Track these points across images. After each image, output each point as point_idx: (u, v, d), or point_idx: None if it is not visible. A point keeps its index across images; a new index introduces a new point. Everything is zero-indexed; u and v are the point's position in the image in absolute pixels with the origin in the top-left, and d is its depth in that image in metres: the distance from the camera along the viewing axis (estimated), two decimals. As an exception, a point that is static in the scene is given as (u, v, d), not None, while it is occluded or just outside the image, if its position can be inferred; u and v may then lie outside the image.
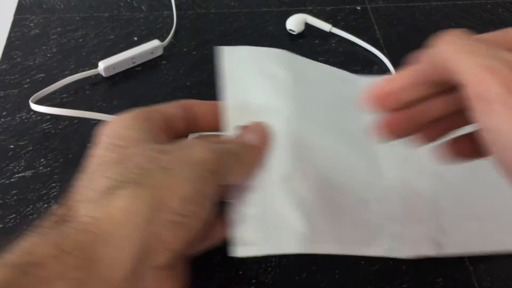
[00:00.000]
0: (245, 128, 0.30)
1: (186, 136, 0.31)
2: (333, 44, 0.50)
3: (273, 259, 0.34)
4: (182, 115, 0.31)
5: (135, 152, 0.26)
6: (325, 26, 0.51)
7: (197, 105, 0.32)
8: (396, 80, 0.25)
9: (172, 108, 0.31)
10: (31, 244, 0.22)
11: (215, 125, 0.31)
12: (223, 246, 0.35)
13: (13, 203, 0.37)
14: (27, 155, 0.40)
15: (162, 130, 0.29)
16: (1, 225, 0.36)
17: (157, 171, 0.25)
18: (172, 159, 0.25)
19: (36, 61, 0.47)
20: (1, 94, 0.44)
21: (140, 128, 0.28)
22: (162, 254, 0.24)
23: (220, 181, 0.27)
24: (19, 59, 0.47)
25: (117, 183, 0.24)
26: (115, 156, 0.26)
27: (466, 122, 0.25)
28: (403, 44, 0.50)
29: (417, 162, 0.37)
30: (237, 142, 0.29)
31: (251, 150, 0.29)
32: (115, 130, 0.28)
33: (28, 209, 0.37)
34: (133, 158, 0.25)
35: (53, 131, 0.42)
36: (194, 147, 0.27)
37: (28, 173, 0.39)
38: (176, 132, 0.30)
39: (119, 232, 0.23)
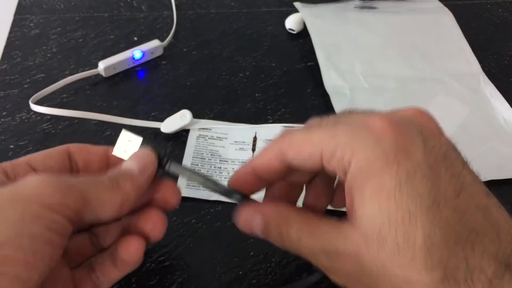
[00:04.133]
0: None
1: None
2: (333, 44, 0.50)
3: (273, 259, 0.34)
4: (56, 166, 0.28)
5: None
6: (325, 26, 0.51)
7: (81, 152, 0.29)
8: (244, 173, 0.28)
9: (39, 160, 0.27)
10: None
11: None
12: (223, 246, 0.35)
13: (13, 203, 0.37)
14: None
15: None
16: (1, 225, 0.36)
17: None
18: None
19: (36, 61, 0.47)
20: (1, 94, 0.44)
21: None
22: None
23: (72, 214, 0.23)
24: (19, 59, 0.47)
25: None
26: None
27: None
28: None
29: None
30: (112, 171, 0.26)
31: (126, 178, 0.26)
32: None
33: (28, 209, 0.37)
34: None
35: (53, 131, 0.42)
36: (27, 182, 0.23)
37: (28, 173, 0.39)
38: None
39: None
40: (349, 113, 0.27)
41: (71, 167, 0.29)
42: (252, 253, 0.35)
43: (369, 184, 0.22)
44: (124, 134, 0.29)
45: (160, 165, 0.28)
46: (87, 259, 0.28)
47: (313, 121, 0.26)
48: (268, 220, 0.26)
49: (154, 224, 0.28)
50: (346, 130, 0.23)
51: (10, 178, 0.26)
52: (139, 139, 0.28)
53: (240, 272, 0.34)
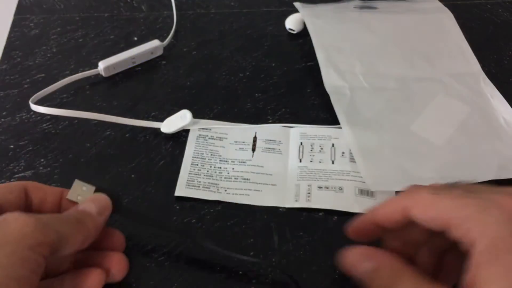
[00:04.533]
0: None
1: None
2: (333, 44, 0.50)
3: (273, 259, 0.34)
4: (13, 201, 0.29)
5: None
6: (325, 26, 0.51)
7: (37, 190, 0.31)
8: (363, 221, 0.30)
9: (2, 192, 0.29)
10: None
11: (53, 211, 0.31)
12: (223, 246, 0.35)
13: (13, 203, 0.37)
14: (27, 155, 0.40)
15: None
16: (1, 225, 0.36)
17: None
18: None
19: (36, 61, 0.47)
20: (1, 94, 0.44)
21: None
22: None
23: (48, 252, 0.25)
24: (19, 59, 0.47)
25: None
26: None
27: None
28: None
29: None
30: (75, 210, 0.29)
31: (88, 217, 0.29)
32: None
33: (28, 209, 0.37)
34: None
35: (53, 131, 0.42)
36: (9, 223, 0.24)
37: (28, 173, 0.39)
38: None
39: None
40: (479, 187, 0.27)
41: (26, 204, 0.30)
42: (252, 253, 0.35)
43: (498, 262, 0.22)
44: (77, 183, 0.31)
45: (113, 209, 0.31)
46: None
47: (442, 185, 0.27)
48: (380, 267, 0.27)
49: (122, 267, 0.31)
50: (478, 204, 0.24)
51: None
52: (92, 188, 0.32)
53: (240, 272, 0.34)
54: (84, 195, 0.31)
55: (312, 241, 0.35)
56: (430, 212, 0.25)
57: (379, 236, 0.30)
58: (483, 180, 0.38)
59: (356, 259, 0.28)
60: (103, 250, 0.31)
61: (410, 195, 0.27)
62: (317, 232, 0.36)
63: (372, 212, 0.29)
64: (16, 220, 0.25)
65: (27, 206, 0.30)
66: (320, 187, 0.38)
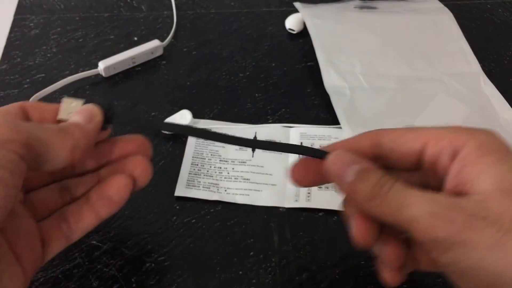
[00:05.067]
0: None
1: None
2: (333, 44, 0.50)
3: (273, 259, 0.34)
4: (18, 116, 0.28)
5: None
6: (325, 26, 0.51)
7: (35, 109, 0.28)
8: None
9: None
10: None
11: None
12: (223, 246, 0.35)
13: (13, 203, 0.37)
14: (27, 155, 0.40)
15: None
16: (1, 225, 0.36)
17: None
18: None
19: (36, 61, 0.47)
20: (1, 94, 0.44)
21: None
22: None
23: (21, 149, 0.23)
24: (19, 59, 0.47)
25: None
26: None
27: None
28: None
29: None
30: (62, 122, 0.27)
31: (73, 126, 0.26)
32: None
33: (28, 209, 0.37)
34: None
35: (53, 131, 0.42)
36: None
37: (28, 173, 0.39)
38: None
39: None
40: None
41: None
42: (252, 253, 0.35)
43: (487, 157, 0.23)
44: (66, 100, 0.29)
45: (107, 117, 0.28)
46: (55, 211, 0.28)
47: None
48: (366, 169, 0.24)
49: (142, 169, 0.29)
50: (459, 127, 0.24)
51: None
52: (81, 101, 0.29)
53: (240, 272, 0.34)
54: (74, 111, 0.29)
55: (312, 241, 0.35)
56: (403, 135, 0.25)
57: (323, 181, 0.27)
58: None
59: (341, 164, 0.25)
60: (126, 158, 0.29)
61: (384, 129, 0.26)
62: (317, 232, 0.36)
63: (343, 140, 0.27)
64: (3, 123, 0.23)
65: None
66: (320, 187, 0.38)
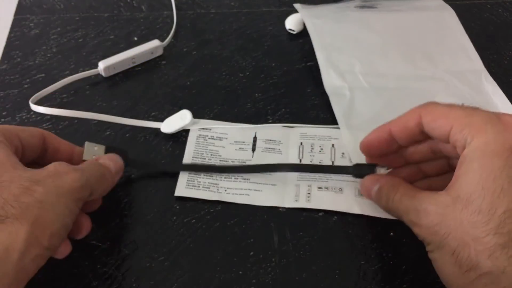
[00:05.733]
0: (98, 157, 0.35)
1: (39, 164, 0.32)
2: (333, 44, 0.50)
3: (273, 259, 0.34)
4: (36, 144, 0.33)
5: (9, 179, 0.27)
6: (325, 26, 0.51)
7: (52, 139, 0.34)
8: (374, 135, 0.34)
9: (26, 134, 0.32)
10: None
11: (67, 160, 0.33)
12: (223, 246, 0.35)
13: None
14: (27, 155, 0.40)
15: (17, 154, 0.31)
16: (1, 225, 0.36)
17: (33, 205, 0.27)
18: (46, 191, 0.28)
19: (36, 61, 0.47)
20: (1, 94, 0.44)
21: (5, 150, 0.29)
22: (22, 284, 0.27)
23: (82, 203, 0.30)
24: (19, 59, 0.47)
25: None
26: None
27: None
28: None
29: None
30: (97, 163, 0.33)
31: (109, 173, 0.33)
32: None
33: (28, 209, 0.37)
34: (10, 188, 0.27)
35: (53, 131, 0.42)
36: (63, 176, 0.29)
37: (28, 173, 0.39)
38: (28, 160, 0.32)
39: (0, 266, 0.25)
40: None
41: (42, 150, 0.33)
42: (252, 253, 0.35)
43: (480, 160, 0.26)
44: (89, 144, 0.35)
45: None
46: None
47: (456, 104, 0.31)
48: (382, 186, 0.32)
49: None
50: (483, 115, 0.28)
51: (10, 143, 0.30)
52: (103, 147, 0.36)
53: (240, 272, 0.34)
54: (97, 155, 0.35)
55: (312, 241, 0.35)
56: (439, 119, 0.29)
57: (389, 150, 0.34)
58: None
59: (367, 186, 0.34)
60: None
61: (426, 105, 0.31)
62: (317, 232, 0.36)
63: (388, 123, 0.33)
64: (69, 174, 0.29)
65: (42, 152, 0.33)
66: (320, 188, 0.38)
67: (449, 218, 0.27)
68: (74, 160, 0.35)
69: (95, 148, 0.35)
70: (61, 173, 0.29)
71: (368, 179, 0.34)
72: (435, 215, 0.28)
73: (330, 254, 0.35)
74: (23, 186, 0.27)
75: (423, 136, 0.32)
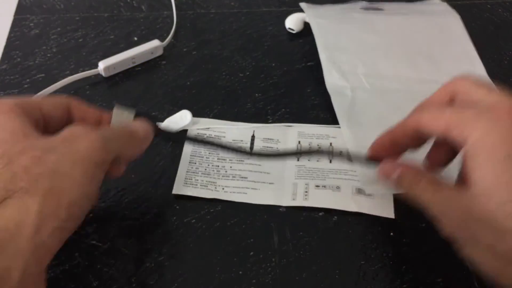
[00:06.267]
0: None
1: None
2: (333, 44, 0.50)
3: (273, 259, 0.34)
4: (59, 115, 0.31)
5: (20, 150, 0.25)
6: (325, 26, 0.51)
7: (78, 108, 0.32)
8: (382, 140, 0.34)
9: (49, 105, 0.31)
10: None
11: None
12: (223, 246, 0.35)
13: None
14: (27, 155, 0.40)
15: (38, 126, 0.29)
16: (1, 225, 0.36)
17: (45, 176, 0.25)
18: (58, 159, 0.26)
19: (36, 61, 0.47)
20: (1, 94, 0.44)
21: (20, 120, 0.27)
22: (46, 260, 0.25)
23: (107, 166, 0.29)
24: (19, 59, 0.47)
25: (7, 193, 0.24)
26: (1, 156, 0.25)
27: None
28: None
29: None
30: (122, 126, 0.32)
31: (137, 135, 0.32)
32: None
33: (28, 209, 0.37)
34: (19, 159, 0.25)
35: (53, 131, 0.42)
36: (79, 140, 0.27)
37: (28, 173, 0.39)
38: (50, 130, 0.30)
39: (11, 244, 0.24)
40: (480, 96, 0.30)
41: (68, 121, 0.32)
42: (252, 253, 0.35)
43: (483, 154, 0.27)
44: (117, 108, 0.33)
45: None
46: None
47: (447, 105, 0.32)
48: (403, 174, 0.33)
49: None
50: (475, 110, 0.28)
51: (27, 115, 0.28)
52: (132, 113, 0.34)
53: (240, 272, 0.34)
54: (125, 120, 0.33)
55: (312, 241, 0.35)
56: (433, 121, 0.30)
57: (393, 155, 0.35)
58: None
59: (387, 170, 0.34)
60: None
61: (420, 111, 0.32)
62: (317, 232, 0.36)
63: (389, 130, 0.34)
64: (84, 137, 0.27)
65: (68, 122, 0.31)
66: (317, 186, 0.38)
67: (476, 212, 0.27)
68: (102, 126, 0.33)
69: (124, 115, 0.33)
70: (76, 136, 0.27)
71: (388, 163, 0.34)
72: (460, 212, 0.28)
73: (330, 254, 0.35)
74: (34, 156, 0.25)
75: (425, 137, 0.32)
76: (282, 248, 0.35)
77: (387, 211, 0.37)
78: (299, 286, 0.33)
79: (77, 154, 0.26)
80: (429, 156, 0.35)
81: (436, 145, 0.34)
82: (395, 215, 0.36)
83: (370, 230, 0.36)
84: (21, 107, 0.28)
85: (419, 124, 0.31)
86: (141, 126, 0.33)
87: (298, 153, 0.39)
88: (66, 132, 0.28)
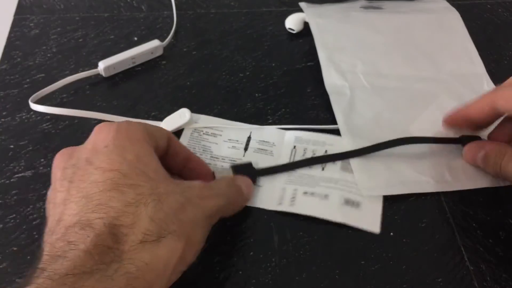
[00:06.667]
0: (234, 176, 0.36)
1: None
2: (333, 44, 0.50)
3: (273, 259, 0.34)
4: (164, 146, 0.33)
5: (166, 191, 0.28)
6: (325, 26, 0.51)
7: (175, 142, 0.34)
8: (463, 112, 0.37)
9: (159, 135, 0.32)
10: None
11: (181, 165, 0.35)
12: (223, 246, 0.35)
13: (13, 203, 0.37)
14: (27, 155, 0.40)
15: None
16: (1, 225, 0.36)
17: (188, 224, 0.28)
18: (195, 212, 0.29)
19: (36, 61, 0.47)
20: (1, 94, 0.44)
21: (154, 153, 0.30)
22: None
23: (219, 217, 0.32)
24: (19, 59, 0.47)
25: (162, 232, 0.26)
26: (151, 193, 0.27)
27: None
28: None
29: None
30: (234, 186, 0.34)
31: (241, 195, 0.34)
32: (138, 153, 0.29)
33: (28, 209, 0.37)
34: (168, 201, 0.27)
35: (53, 131, 0.42)
36: (208, 201, 0.30)
37: (28, 173, 0.39)
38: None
39: (157, 282, 0.25)
40: None
41: (166, 152, 0.33)
42: (252, 253, 0.35)
43: None
44: (218, 172, 0.37)
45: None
46: None
47: None
48: (489, 153, 0.35)
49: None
50: None
51: (152, 144, 0.31)
52: (231, 173, 0.37)
53: (240, 272, 0.34)
54: (225, 173, 0.37)
55: (312, 241, 0.35)
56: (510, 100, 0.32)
57: (469, 130, 0.37)
58: (482, 186, 0.37)
59: (472, 152, 0.36)
60: None
61: (496, 91, 0.34)
62: (317, 232, 0.36)
63: (464, 107, 0.35)
64: (211, 199, 0.30)
65: (165, 154, 0.33)
66: (305, 193, 0.37)
67: None
68: (190, 166, 0.35)
69: (225, 173, 0.37)
70: (206, 196, 0.30)
71: (472, 145, 0.36)
72: None
73: (330, 254, 0.35)
74: (179, 202, 0.28)
75: (498, 116, 0.35)
76: (282, 248, 0.35)
77: (373, 225, 0.36)
78: (299, 286, 0.33)
79: (207, 212, 0.29)
80: (493, 133, 0.37)
81: (503, 123, 0.36)
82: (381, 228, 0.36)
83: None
84: (149, 134, 0.30)
85: (496, 101, 0.33)
86: (246, 185, 0.35)
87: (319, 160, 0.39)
88: (197, 190, 0.30)
